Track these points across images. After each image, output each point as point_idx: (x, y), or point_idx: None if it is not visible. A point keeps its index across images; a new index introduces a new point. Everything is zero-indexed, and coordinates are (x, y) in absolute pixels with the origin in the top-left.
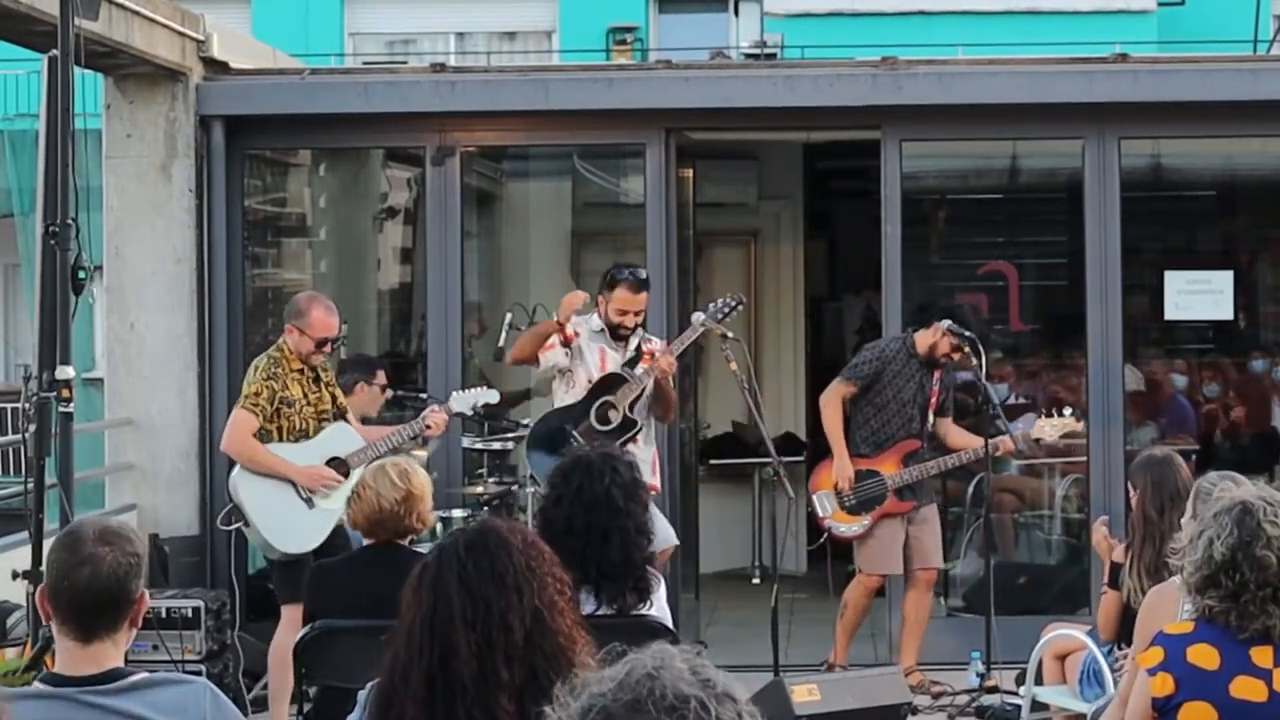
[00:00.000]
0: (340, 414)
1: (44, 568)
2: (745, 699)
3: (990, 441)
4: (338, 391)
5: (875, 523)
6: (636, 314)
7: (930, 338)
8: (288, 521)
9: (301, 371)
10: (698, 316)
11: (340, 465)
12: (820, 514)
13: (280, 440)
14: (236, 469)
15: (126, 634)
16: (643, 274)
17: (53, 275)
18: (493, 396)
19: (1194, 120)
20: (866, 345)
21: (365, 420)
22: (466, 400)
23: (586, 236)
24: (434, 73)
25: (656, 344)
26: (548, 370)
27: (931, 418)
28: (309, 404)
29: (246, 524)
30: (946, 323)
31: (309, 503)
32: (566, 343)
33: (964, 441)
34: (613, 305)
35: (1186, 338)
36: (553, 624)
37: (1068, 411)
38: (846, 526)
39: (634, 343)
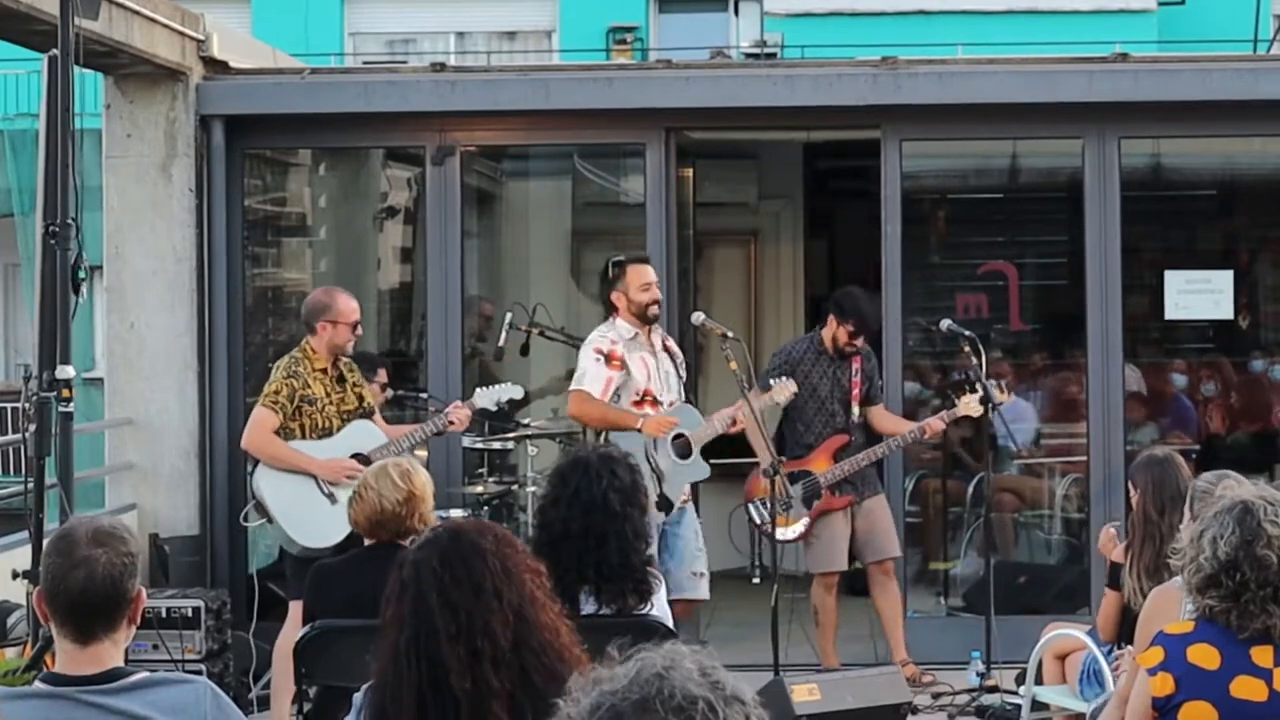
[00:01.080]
0: (368, 413)
1: (41, 570)
2: (754, 701)
3: (917, 426)
4: (365, 391)
5: (814, 521)
6: (656, 285)
7: (829, 331)
8: (310, 516)
9: (325, 371)
10: (698, 316)
11: (364, 462)
12: (758, 521)
13: (303, 438)
14: (259, 466)
15: (126, 632)
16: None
17: (53, 275)
18: (517, 392)
19: (1194, 120)
20: (774, 352)
21: None
22: (491, 396)
23: (586, 236)
24: (434, 72)
25: (671, 343)
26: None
27: (856, 409)
28: (331, 403)
29: (269, 520)
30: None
31: (331, 498)
32: (621, 366)
33: (895, 427)
34: (634, 288)
35: (1186, 338)
36: (536, 619)
37: (994, 384)
38: (787, 530)
39: (657, 341)
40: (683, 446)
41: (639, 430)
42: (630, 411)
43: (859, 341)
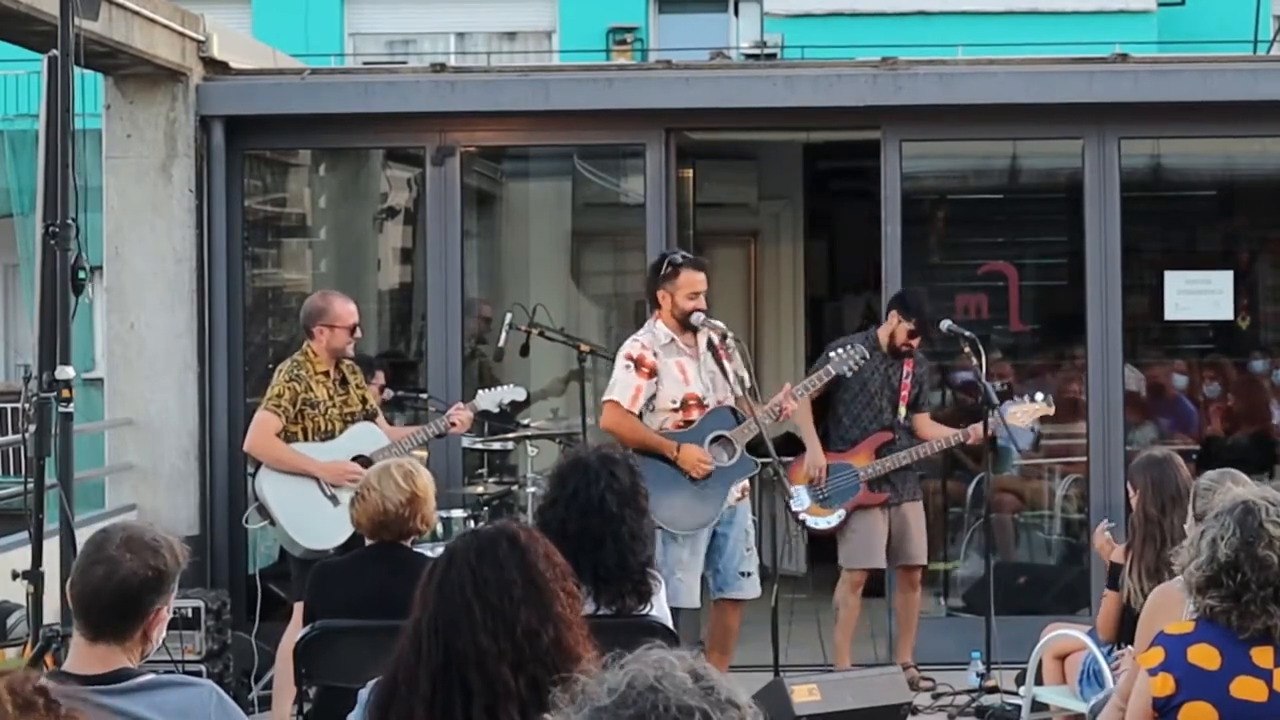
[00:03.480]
0: (371, 415)
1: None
2: (749, 704)
3: (960, 431)
4: (369, 393)
5: (850, 515)
6: (703, 294)
7: (888, 329)
8: (312, 518)
9: (327, 374)
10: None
11: (366, 464)
12: (796, 508)
13: (306, 441)
14: (261, 468)
15: (138, 644)
16: (691, 255)
17: (53, 275)
18: (519, 394)
19: (1194, 120)
20: (830, 343)
21: None
22: (493, 398)
23: (586, 236)
24: (434, 73)
25: (731, 339)
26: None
27: (904, 410)
28: (334, 405)
29: (272, 522)
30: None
31: (333, 500)
32: (651, 373)
33: (937, 434)
34: (681, 292)
35: (1186, 338)
36: (561, 639)
37: (1040, 396)
38: (823, 520)
39: (703, 342)
40: (726, 446)
41: (674, 461)
42: (666, 439)
43: (916, 342)
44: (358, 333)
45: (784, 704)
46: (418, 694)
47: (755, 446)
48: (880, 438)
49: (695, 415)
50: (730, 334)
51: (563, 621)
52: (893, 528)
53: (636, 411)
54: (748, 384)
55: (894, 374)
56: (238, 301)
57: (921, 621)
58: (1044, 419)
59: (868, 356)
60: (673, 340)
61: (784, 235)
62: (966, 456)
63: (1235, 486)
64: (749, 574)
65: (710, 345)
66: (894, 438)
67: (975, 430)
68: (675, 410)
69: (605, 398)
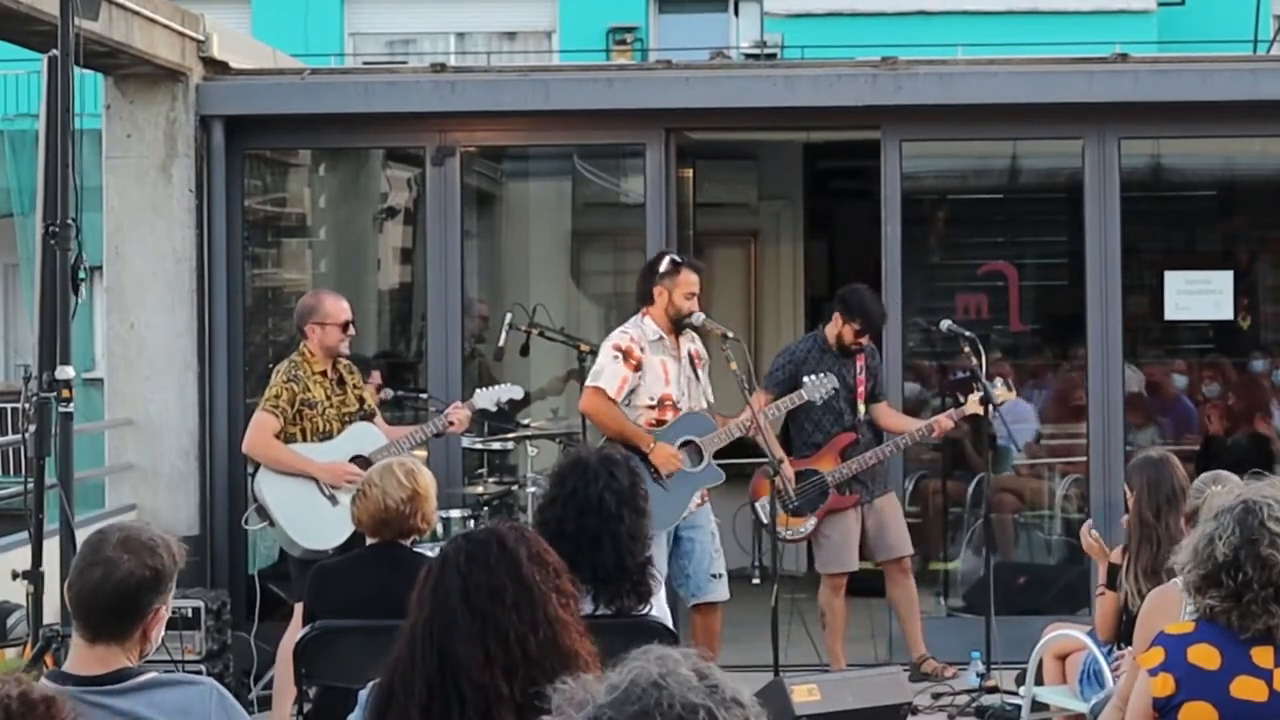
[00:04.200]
0: (369, 415)
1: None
2: (753, 702)
3: (925, 424)
4: (366, 394)
5: (822, 521)
6: (698, 298)
7: (834, 329)
8: (312, 519)
9: (324, 374)
10: (698, 317)
11: (364, 464)
12: (764, 521)
13: (304, 441)
14: (260, 469)
15: (138, 644)
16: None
17: (53, 275)
18: (517, 393)
19: (1194, 120)
20: (778, 352)
21: None
22: (490, 397)
23: (586, 236)
24: (434, 73)
25: (699, 344)
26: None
27: (863, 407)
28: (332, 405)
29: (271, 523)
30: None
31: (332, 500)
32: (637, 367)
33: (900, 424)
34: (679, 291)
35: (1186, 338)
36: (555, 640)
37: (999, 382)
38: (793, 530)
39: (685, 348)
40: (694, 452)
41: (647, 454)
42: (644, 432)
43: (864, 340)
44: (351, 330)
45: (784, 704)
46: (413, 699)
47: (755, 447)
48: (843, 439)
49: (669, 416)
50: (731, 334)
51: (557, 622)
52: (869, 525)
53: (619, 401)
54: (746, 386)
55: (847, 373)
56: (238, 301)
57: (922, 621)
58: (1044, 419)
59: (838, 387)
60: (661, 339)
61: (784, 235)
62: (966, 456)
63: (1226, 490)
64: (719, 575)
65: (688, 353)
66: (857, 438)
67: (940, 423)
68: (651, 408)
69: (590, 383)
